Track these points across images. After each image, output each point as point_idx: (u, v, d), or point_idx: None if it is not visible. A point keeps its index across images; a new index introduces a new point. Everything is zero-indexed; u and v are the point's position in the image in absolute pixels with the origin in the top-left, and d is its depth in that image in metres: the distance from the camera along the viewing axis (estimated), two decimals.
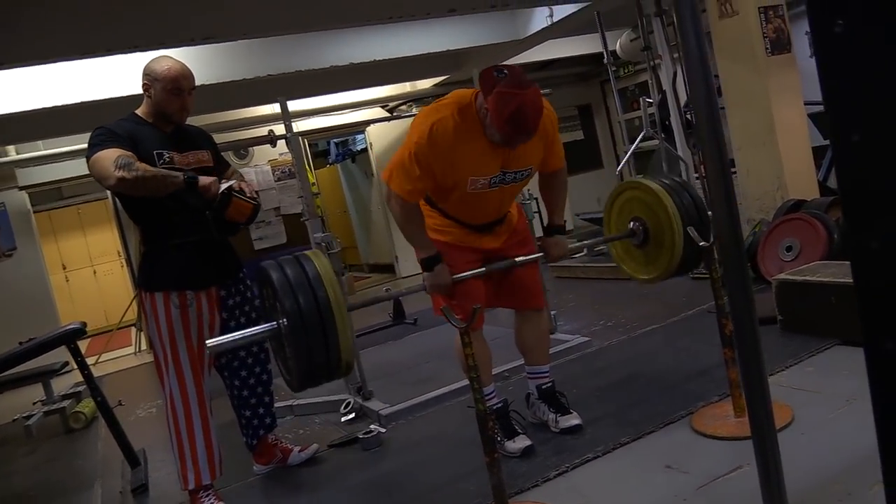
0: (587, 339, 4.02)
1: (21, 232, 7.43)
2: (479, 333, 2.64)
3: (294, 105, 7.39)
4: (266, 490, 2.91)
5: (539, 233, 3.46)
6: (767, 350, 3.08)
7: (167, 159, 2.57)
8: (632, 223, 2.89)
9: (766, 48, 4.91)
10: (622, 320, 4.41)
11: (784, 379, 2.88)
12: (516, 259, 2.63)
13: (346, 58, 6.05)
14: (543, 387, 2.83)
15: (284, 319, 2.05)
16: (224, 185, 2.64)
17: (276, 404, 3.25)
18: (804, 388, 2.75)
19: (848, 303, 3.07)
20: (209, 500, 2.65)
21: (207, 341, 2.20)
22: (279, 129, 3.78)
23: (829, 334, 3.17)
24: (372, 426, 3.17)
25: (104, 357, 7.69)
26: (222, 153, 3.04)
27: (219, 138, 3.21)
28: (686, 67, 1.58)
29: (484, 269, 2.56)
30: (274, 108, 7.05)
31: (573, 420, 2.74)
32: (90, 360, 7.70)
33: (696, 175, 5.71)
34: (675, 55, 5.69)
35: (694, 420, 2.62)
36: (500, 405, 2.72)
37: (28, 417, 4.73)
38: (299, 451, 3.02)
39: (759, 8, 4.89)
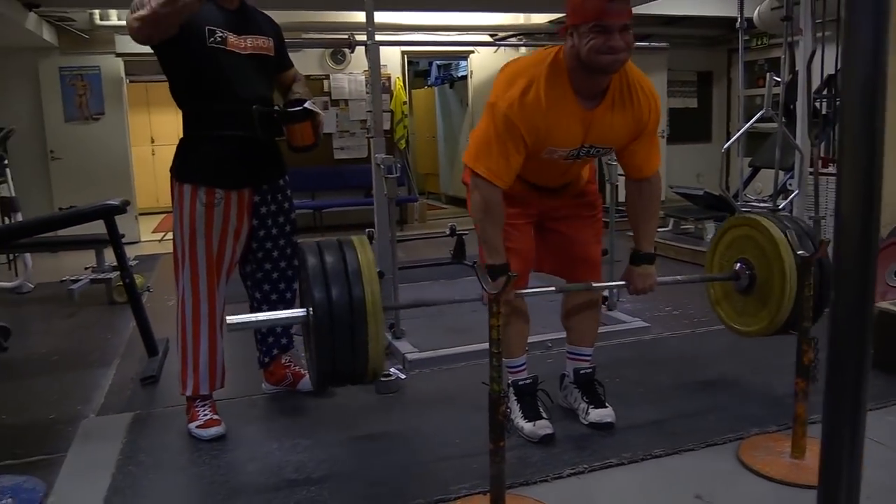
0: (647, 324, 3.67)
1: (112, 98, 7.46)
2: (519, 299, 2.35)
3: (393, 17, 7.09)
4: (266, 413, 2.75)
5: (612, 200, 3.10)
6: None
7: (220, 38, 2.35)
8: (738, 264, 2.52)
9: None
10: (690, 311, 4.02)
11: None
12: (592, 283, 2.41)
13: None
14: (582, 371, 2.53)
15: (311, 309, 1.89)
16: (307, 104, 2.48)
17: None
18: (883, 441, 2.36)
19: None
20: (203, 410, 2.51)
21: (228, 318, 1.99)
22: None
23: None
24: (393, 369, 2.96)
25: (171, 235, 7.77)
26: (303, 51, 2.79)
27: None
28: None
29: (554, 288, 2.36)
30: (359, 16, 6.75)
31: (606, 416, 2.45)
32: (157, 236, 7.89)
33: (811, 170, 5.13)
34: (819, 34, 5.04)
35: (742, 448, 2.29)
36: (528, 381, 2.44)
37: (75, 282, 4.76)
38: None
39: None
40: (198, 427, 2.47)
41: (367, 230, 5.44)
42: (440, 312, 4.02)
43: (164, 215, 9.22)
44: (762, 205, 5.68)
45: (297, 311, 2.00)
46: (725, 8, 7.18)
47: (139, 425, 2.64)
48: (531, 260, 2.41)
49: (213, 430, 2.45)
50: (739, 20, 5.05)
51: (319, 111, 2.53)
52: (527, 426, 2.36)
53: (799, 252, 2.14)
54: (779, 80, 5.44)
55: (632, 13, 2.00)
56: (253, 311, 2.74)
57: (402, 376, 2.94)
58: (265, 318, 2.19)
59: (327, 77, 7.87)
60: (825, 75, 5.45)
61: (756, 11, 6.59)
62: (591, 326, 2.58)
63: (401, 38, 7.03)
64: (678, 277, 2.67)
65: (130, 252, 6.10)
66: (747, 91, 8.49)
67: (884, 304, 2.98)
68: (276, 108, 2.53)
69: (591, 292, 2.53)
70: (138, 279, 4.79)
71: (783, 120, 5.30)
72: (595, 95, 2.12)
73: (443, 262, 5.56)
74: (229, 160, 2.44)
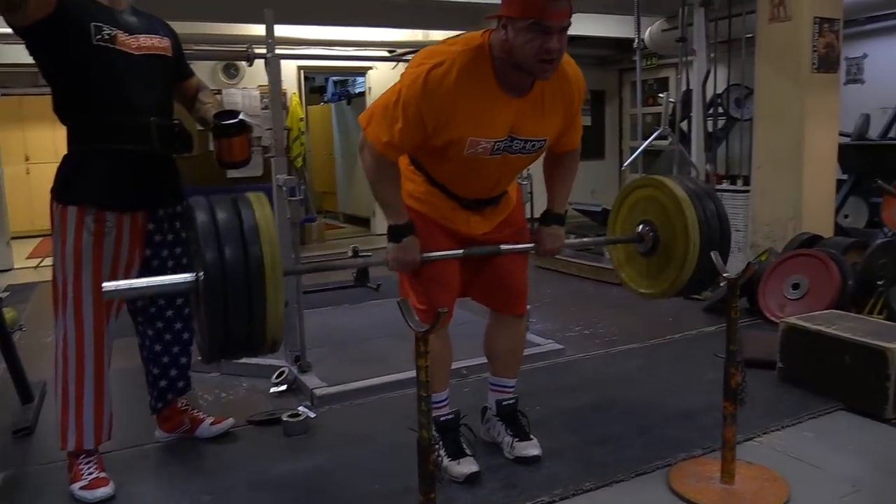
0: (561, 346, 3.60)
1: None
2: (442, 330, 2.21)
3: (291, 30, 6.84)
4: (161, 464, 2.47)
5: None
6: (762, 401, 2.70)
7: (107, 35, 2.09)
8: (641, 226, 2.45)
9: (813, 63, 4.46)
10: (600, 330, 4.00)
11: (780, 441, 2.49)
12: (501, 247, 2.22)
13: None
14: (505, 403, 2.41)
15: (202, 273, 1.67)
16: (242, 116, 2.35)
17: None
18: (803, 458, 2.36)
19: (863, 365, 2.69)
20: (88, 467, 2.22)
21: (103, 285, 1.75)
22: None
23: (832, 395, 2.80)
24: (301, 407, 2.75)
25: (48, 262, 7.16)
26: (202, 62, 2.57)
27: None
28: None
29: (462, 251, 2.15)
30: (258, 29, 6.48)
31: (532, 449, 2.33)
32: (33, 262, 7.24)
33: (717, 188, 5.29)
34: (713, 54, 5.23)
35: (672, 476, 2.23)
36: (450, 417, 2.30)
37: None
38: (211, 424, 2.58)
39: (814, 18, 4.42)
40: (82, 488, 2.17)
41: None
42: (348, 341, 3.82)
43: (40, 239, 8.51)
44: None
45: (181, 277, 1.80)
46: (617, 29, 7.38)
47: (11, 487, 2.31)
48: (457, 289, 2.27)
49: (101, 492, 2.16)
50: (637, 40, 5.15)
51: (253, 124, 2.35)
52: (452, 465, 2.22)
53: (725, 273, 2.10)
54: (673, 100, 5.60)
55: (572, 13, 1.87)
56: (143, 350, 2.47)
57: (312, 415, 2.73)
58: (144, 283, 1.93)
59: (220, 92, 7.49)
60: (713, 94, 5.62)
61: (647, 32, 6.79)
62: (516, 357, 2.47)
63: (299, 52, 6.80)
64: (584, 240, 2.62)
65: (2, 281, 5.56)
66: (644, 109, 8.74)
67: (792, 320, 3.04)
68: (176, 120, 2.29)
69: (518, 323, 2.43)
70: (9, 313, 4.32)
71: (676, 137, 5.45)
72: (522, 86, 1.98)
73: (346, 286, 5.37)
74: (122, 179, 2.18)
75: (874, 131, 6.73)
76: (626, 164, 5.40)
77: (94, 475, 2.19)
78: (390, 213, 2.05)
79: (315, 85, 10.53)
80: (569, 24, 1.86)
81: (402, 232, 2.03)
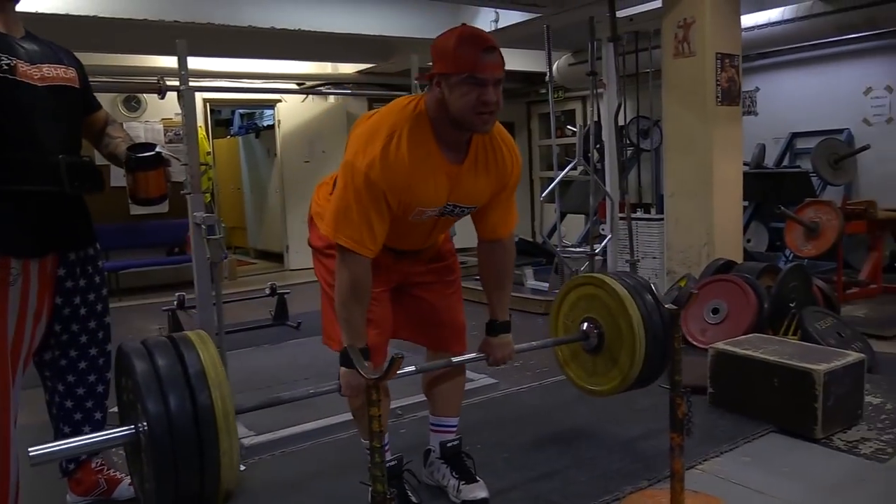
0: (495, 380, 3.55)
1: None
2: None
3: (198, 63, 6.63)
4: None
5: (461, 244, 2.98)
6: (697, 427, 2.67)
7: (6, 65, 1.89)
8: (585, 324, 2.50)
9: (717, 96, 4.67)
10: (531, 362, 3.98)
11: (719, 467, 2.51)
12: (453, 359, 2.26)
13: (267, 20, 5.38)
14: (449, 444, 2.32)
15: (145, 425, 1.57)
16: (159, 148, 2.22)
17: (114, 410, 2.61)
18: (745, 483, 2.38)
19: (791, 387, 2.76)
20: None
21: (29, 452, 1.58)
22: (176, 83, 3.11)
23: (763, 418, 2.85)
24: None
25: None
26: (100, 95, 2.39)
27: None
28: None
29: (415, 368, 2.17)
30: (173, 62, 6.24)
31: (479, 491, 2.24)
32: None
33: (622, 216, 5.42)
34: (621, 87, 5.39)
35: None
36: (393, 463, 2.19)
37: None
38: (130, 484, 2.36)
39: (716, 53, 4.64)
40: None
41: (176, 294, 4.95)
42: (272, 385, 3.64)
43: None
44: (579, 249, 5.90)
45: (120, 431, 1.68)
46: (525, 63, 7.53)
47: None
48: (389, 330, 2.18)
49: None
50: (549, 73, 5.24)
51: (172, 157, 2.19)
52: None
53: (667, 305, 2.10)
54: (574, 130, 5.71)
55: (505, 66, 1.86)
56: (52, 406, 2.24)
57: (241, 467, 2.54)
58: (78, 443, 1.75)
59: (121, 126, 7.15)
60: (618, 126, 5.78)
61: (555, 66, 6.95)
62: (457, 395, 2.38)
63: (207, 84, 6.60)
64: (533, 343, 2.56)
65: None
66: (543, 141, 8.86)
67: (719, 345, 3.09)
68: (86, 157, 2.11)
69: (457, 370, 2.35)
70: None
71: (586, 166, 5.56)
72: (459, 149, 1.95)
73: (265, 325, 5.16)
74: (28, 222, 1.97)
75: (769, 160, 7.13)
76: (543, 195, 5.45)
77: None
78: (352, 336, 1.92)
79: (220, 118, 10.25)
80: (502, 78, 1.84)
81: (356, 357, 1.90)
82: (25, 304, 1.98)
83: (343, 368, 1.95)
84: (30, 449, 1.57)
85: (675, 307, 2.09)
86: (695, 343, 4.11)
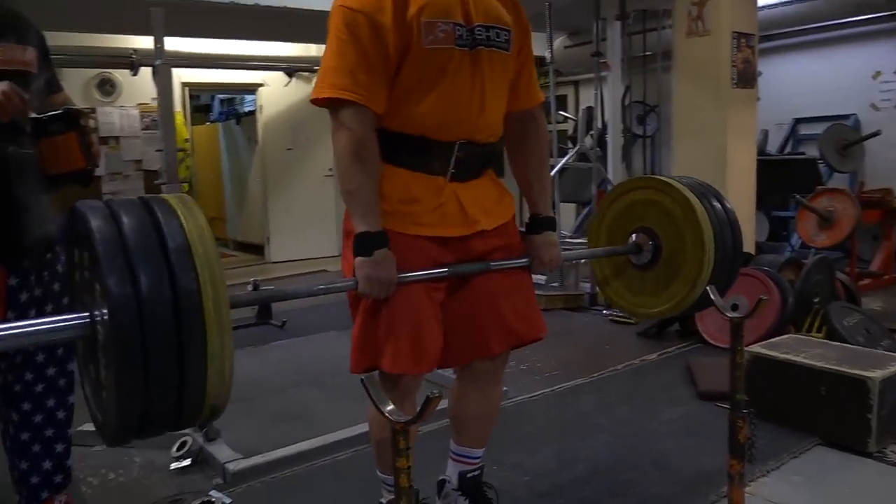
0: (504, 388, 3.24)
1: None
2: (412, 394, 1.74)
3: (175, 44, 6.23)
4: None
5: None
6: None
7: None
8: (635, 235, 2.04)
9: (733, 78, 4.38)
10: (538, 364, 3.68)
11: (769, 489, 2.24)
12: (491, 264, 1.71)
13: None
14: (469, 475, 2.00)
15: (105, 312, 1.11)
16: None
17: (80, 427, 2.30)
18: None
19: (842, 396, 2.49)
20: None
21: None
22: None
23: (807, 429, 2.59)
24: (213, 491, 2.24)
25: None
26: (74, 77, 2.04)
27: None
28: None
29: (447, 269, 1.64)
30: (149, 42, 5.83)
31: None
32: None
33: None
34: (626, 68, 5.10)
35: None
36: None
37: None
38: None
39: (732, 32, 4.35)
40: None
41: None
42: (258, 394, 3.31)
43: None
44: (578, 241, 5.61)
45: (68, 318, 1.19)
46: None
47: None
48: (435, 361, 1.70)
49: None
50: (550, 55, 4.94)
51: (90, 120, 1.83)
52: None
53: (729, 314, 1.81)
54: (566, 115, 5.43)
55: None
56: (6, 440, 1.91)
57: (226, 500, 2.22)
58: (9, 328, 1.15)
59: (94, 111, 6.74)
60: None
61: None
62: (489, 423, 1.98)
63: (186, 74, 6.21)
64: (581, 251, 2.19)
65: None
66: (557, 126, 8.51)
67: (755, 348, 2.82)
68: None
69: (495, 391, 1.96)
70: None
71: (594, 155, 5.29)
72: None
73: (247, 324, 4.81)
74: None
75: (772, 146, 6.88)
76: None
77: None
78: (363, 215, 1.57)
79: (199, 104, 9.83)
80: None
81: (374, 242, 1.55)
82: None
83: (359, 258, 1.55)
84: None
85: (739, 316, 1.81)
86: (712, 342, 3.85)
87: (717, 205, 1.94)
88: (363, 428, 2.70)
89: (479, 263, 1.70)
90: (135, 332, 1.08)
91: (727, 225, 1.93)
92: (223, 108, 9.62)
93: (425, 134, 1.62)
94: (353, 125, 1.54)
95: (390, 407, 1.21)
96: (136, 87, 6.58)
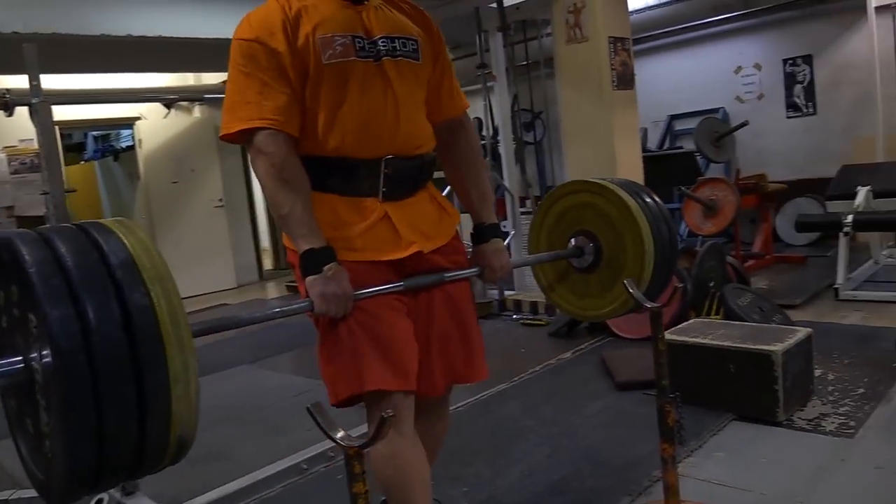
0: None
1: None
2: (408, 429, 1.58)
3: (45, 81, 5.90)
4: None
5: None
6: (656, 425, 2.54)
7: None
8: (574, 238, 2.03)
9: (613, 81, 4.58)
10: None
11: (695, 469, 2.33)
12: (445, 275, 1.64)
13: (122, 27, 4.79)
14: None
15: (46, 353, 0.98)
16: None
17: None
18: (728, 482, 2.21)
19: (749, 371, 2.64)
20: None
21: None
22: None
23: (721, 406, 2.72)
24: None
25: None
26: None
27: None
28: None
29: (402, 284, 1.57)
30: (13, 81, 5.46)
31: None
32: None
33: (522, 210, 5.27)
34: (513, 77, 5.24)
35: None
36: None
37: None
38: None
39: (609, 37, 4.55)
40: None
41: None
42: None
43: None
44: None
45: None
46: None
47: None
48: (414, 378, 1.56)
49: None
50: None
51: None
52: None
53: (648, 304, 1.88)
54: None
55: None
56: None
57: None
58: None
59: None
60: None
61: None
62: (435, 452, 1.84)
63: (57, 112, 5.86)
64: (527, 258, 2.12)
65: None
66: None
67: (667, 336, 2.93)
68: None
69: (444, 405, 1.83)
70: None
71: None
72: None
73: None
74: None
75: (651, 143, 7.24)
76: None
77: None
78: (303, 235, 1.49)
79: (71, 143, 9.33)
80: None
81: (321, 257, 1.47)
82: None
83: (309, 278, 1.47)
84: None
85: (657, 306, 1.88)
86: (621, 334, 3.99)
87: (650, 200, 1.97)
88: (290, 461, 2.63)
89: (433, 276, 1.63)
90: (80, 357, 0.96)
91: (662, 220, 1.95)
92: (98, 144, 9.17)
93: (347, 154, 1.56)
94: (269, 149, 1.49)
95: (340, 434, 1.18)
96: (1, 129, 6.18)
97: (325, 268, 1.46)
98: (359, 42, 1.56)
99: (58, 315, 0.96)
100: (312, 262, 1.47)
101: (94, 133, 9.11)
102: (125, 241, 1.08)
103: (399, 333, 1.56)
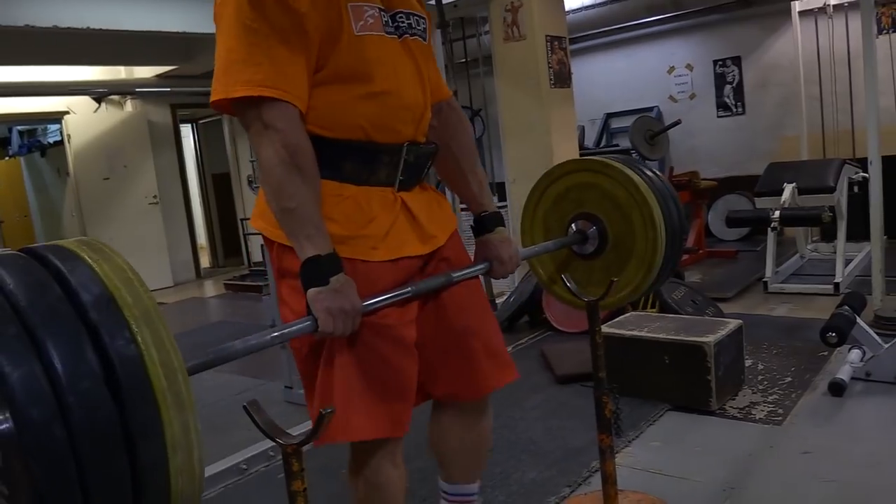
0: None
1: None
2: (397, 449, 1.47)
3: None
4: None
5: None
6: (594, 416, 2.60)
7: None
8: (575, 223, 1.88)
9: (550, 79, 4.65)
10: None
11: (634, 458, 2.39)
12: (453, 274, 1.49)
13: (48, 18, 4.61)
14: None
15: (7, 427, 0.74)
16: None
17: None
18: (664, 471, 2.28)
19: (682, 363, 2.71)
20: None
21: None
22: None
23: (657, 397, 2.80)
24: None
25: None
26: None
27: None
28: None
29: (410, 289, 1.38)
30: None
31: None
32: None
33: (462, 207, 5.30)
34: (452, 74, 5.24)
35: None
36: None
37: None
38: None
39: (546, 36, 4.62)
40: None
41: None
42: None
43: None
44: None
45: None
46: None
47: None
48: (411, 404, 1.45)
49: None
50: None
51: None
52: None
53: (586, 297, 1.91)
54: None
55: None
56: None
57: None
58: None
59: None
60: None
61: None
62: (484, 449, 1.69)
63: None
64: (530, 249, 1.86)
65: None
66: None
67: (603, 329, 2.99)
68: None
69: (485, 418, 1.65)
70: None
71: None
72: None
73: None
74: None
75: (588, 141, 7.37)
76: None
77: None
78: (309, 236, 1.26)
79: None
80: None
81: (328, 267, 1.25)
82: None
83: (313, 290, 1.24)
84: None
85: (594, 299, 1.92)
86: (561, 328, 4.05)
87: (655, 177, 1.85)
88: (230, 462, 2.59)
89: (440, 277, 1.47)
90: (54, 427, 0.74)
91: (670, 199, 1.83)
92: (24, 140, 8.81)
93: (372, 138, 1.37)
94: (282, 125, 1.25)
95: (279, 432, 1.16)
96: None
97: (333, 279, 1.25)
98: (384, 15, 1.40)
99: (18, 375, 0.73)
100: (317, 271, 1.25)
101: (20, 128, 8.75)
102: (96, 269, 0.86)
103: (397, 376, 1.40)
